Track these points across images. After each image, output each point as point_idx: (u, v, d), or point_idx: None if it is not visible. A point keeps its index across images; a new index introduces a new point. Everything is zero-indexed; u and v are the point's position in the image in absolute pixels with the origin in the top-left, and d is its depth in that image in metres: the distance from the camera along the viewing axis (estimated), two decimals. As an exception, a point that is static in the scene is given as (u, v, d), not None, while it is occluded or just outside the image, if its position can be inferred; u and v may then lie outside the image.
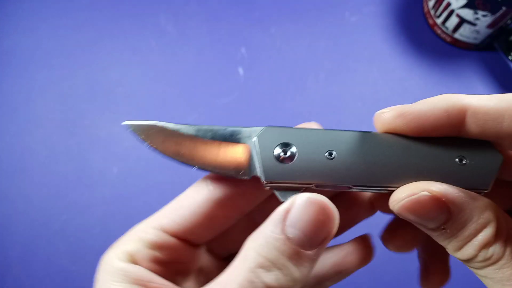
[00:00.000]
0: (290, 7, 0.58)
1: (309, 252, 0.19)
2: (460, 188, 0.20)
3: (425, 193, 0.19)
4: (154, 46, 0.55)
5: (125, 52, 0.54)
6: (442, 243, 0.21)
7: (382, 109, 0.21)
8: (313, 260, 0.20)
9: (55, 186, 0.48)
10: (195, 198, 0.22)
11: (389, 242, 0.26)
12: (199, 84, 0.53)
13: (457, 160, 0.21)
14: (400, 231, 0.26)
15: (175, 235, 0.22)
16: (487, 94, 0.21)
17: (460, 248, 0.20)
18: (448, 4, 0.52)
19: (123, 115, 0.51)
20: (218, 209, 0.22)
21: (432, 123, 0.20)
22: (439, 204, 0.19)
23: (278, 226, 0.19)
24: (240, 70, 0.54)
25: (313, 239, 0.19)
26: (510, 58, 0.53)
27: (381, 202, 0.26)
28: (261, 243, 0.19)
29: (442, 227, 0.20)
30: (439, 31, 0.56)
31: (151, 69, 0.54)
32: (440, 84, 0.54)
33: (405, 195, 0.19)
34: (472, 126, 0.20)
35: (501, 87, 0.54)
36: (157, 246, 0.21)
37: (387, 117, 0.21)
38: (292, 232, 0.19)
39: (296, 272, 0.19)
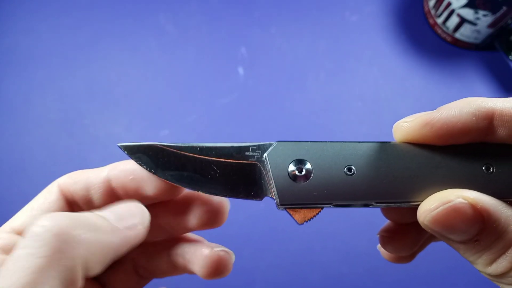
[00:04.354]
0: (290, 7, 0.57)
1: None
2: (491, 197, 0.18)
3: (461, 200, 0.18)
4: (154, 45, 0.55)
5: (124, 51, 0.54)
6: (471, 257, 0.19)
7: (394, 116, 0.20)
8: None
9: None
10: (46, 198, 0.22)
11: (387, 243, 0.24)
12: (199, 84, 0.53)
13: (484, 168, 0.20)
14: (401, 231, 0.24)
15: None
16: (489, 94, 0.20)
17: (492, 261, 0.18)
18: (449, 4, 0.52)
19: (123, 115, 0.51)
20: (69, 207, 0.22)
21: (461, 129, 0.19)
22: (475, 213, 0.17)
23: None
24: (240, 70, 0.54)
25: None
26: (510, 58, 0.53)
27: (386, 209, 0.24)
28: None
29: (475, 239, 0.18)
30: (439, 31, 0.56)
31: (151, 69, 0.53)
32: (440, 83, 0.54)
33: (439, 203, 0.18)
34: (500, 129, 0.19)
35: (502, 86, 0.54)
36: (10, 249, 0.21)
37: (411, 126, 0.20)
38: None
39: None
